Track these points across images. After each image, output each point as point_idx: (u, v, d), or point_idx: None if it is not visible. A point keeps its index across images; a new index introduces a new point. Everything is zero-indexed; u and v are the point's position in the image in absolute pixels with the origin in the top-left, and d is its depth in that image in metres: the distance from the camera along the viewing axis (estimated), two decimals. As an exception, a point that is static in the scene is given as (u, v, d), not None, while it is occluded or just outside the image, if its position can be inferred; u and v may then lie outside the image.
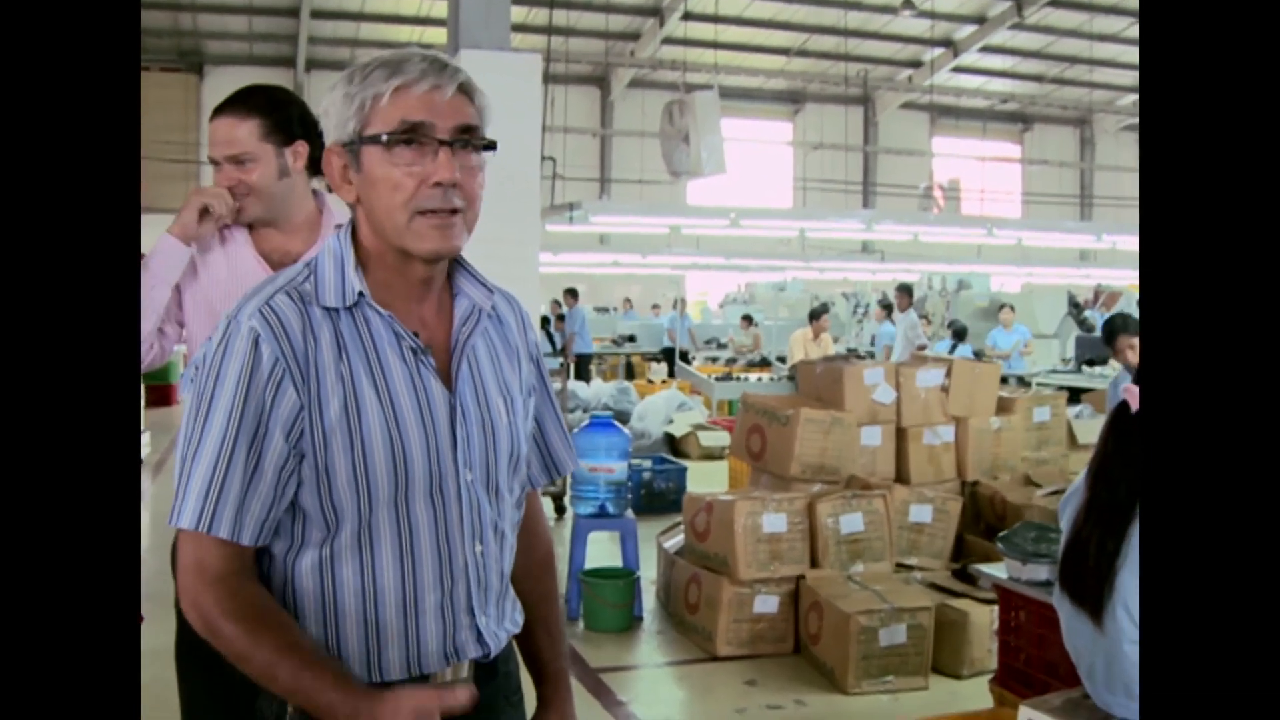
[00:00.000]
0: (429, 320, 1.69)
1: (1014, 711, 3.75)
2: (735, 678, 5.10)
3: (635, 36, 21.78)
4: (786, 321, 18.19)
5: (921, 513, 5.93)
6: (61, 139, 1.28)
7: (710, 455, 11.05)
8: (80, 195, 1.30)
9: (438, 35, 18.87)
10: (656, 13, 20.76)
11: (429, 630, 1.65)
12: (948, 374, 6.56)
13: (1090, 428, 7.07)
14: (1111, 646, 2.98)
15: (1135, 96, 25.18)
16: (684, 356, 15.69)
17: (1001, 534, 4.22)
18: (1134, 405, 3.04)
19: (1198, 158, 1.25)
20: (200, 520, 1.53)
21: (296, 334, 1.57)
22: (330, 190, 1.77)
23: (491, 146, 1.65)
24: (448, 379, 1.67)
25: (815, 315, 13.33)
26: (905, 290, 12.66)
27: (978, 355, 12.09)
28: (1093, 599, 2.98)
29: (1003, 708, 3.98)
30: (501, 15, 5.44)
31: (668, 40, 21.21)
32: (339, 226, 1.72)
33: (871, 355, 13.85)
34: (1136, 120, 26.56)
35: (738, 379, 13.31)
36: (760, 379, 13.35)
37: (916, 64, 23.93)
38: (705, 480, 9.00)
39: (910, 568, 5.78)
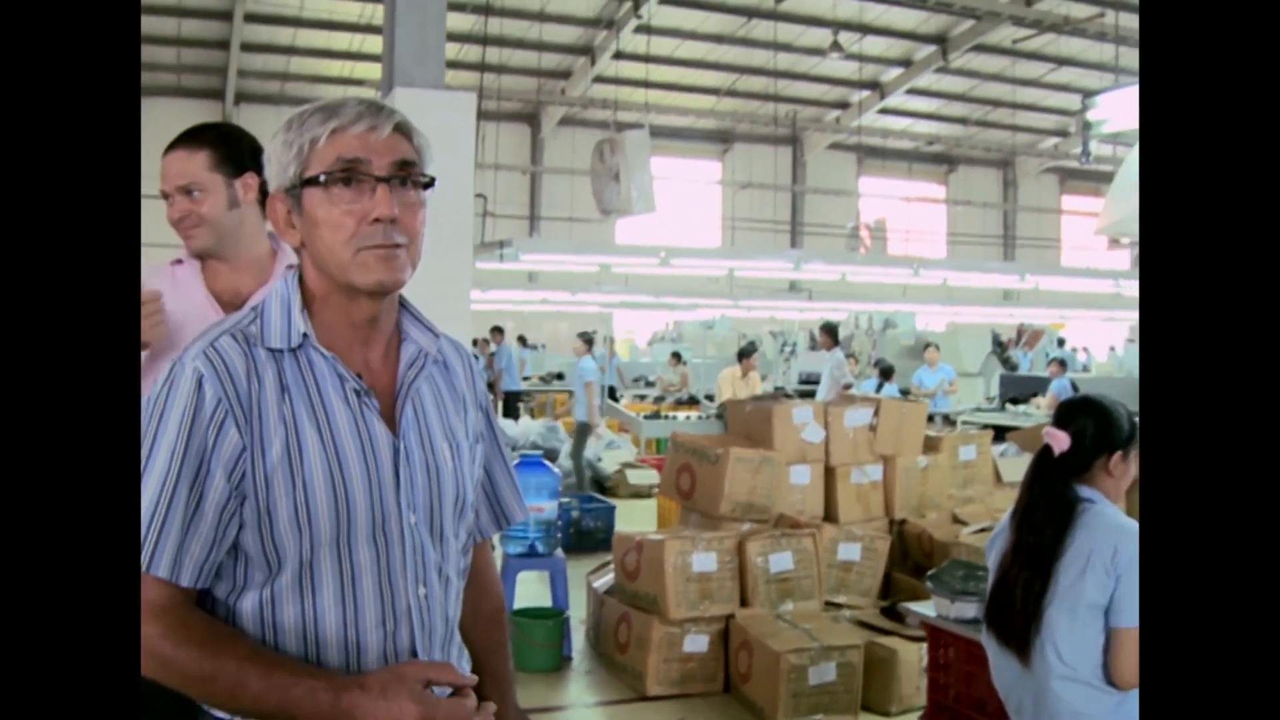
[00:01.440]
0: (374, 364, 1.70)
1: (943, 749, 3.79)
2: (666, 717, 5.10)
3: (566, 75, 21.89)
4: (714, 359, 18.27)
5: (850, 551, 5.96)
6: (61, 145, 1.28)
7: (639, 494, 11.05)
8: (80, 200, 1.29)
9: (369, 70, 18.84)
10: (588, 51, 20.89)
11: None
12: (875, 413, 6.62)
13: (1015, 465, 7.15)
14: (1039, 684, 3.02)
15: (1056, 140, 25.77)
16: (612, 394, 15.69)
17: (930, 572, 4.25)
18: (1056, 449, 3.09)
19: (1196, 163, 1.26)
20: (144, 559, 1.51)
21: (240, 375, 1.58)
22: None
23: (430, 184, 1.66)
24: (392, 422, 1.67)
25: (744, 354, 13.41)
26: (830, 330, 12.79)
27: (904, 394, 12.23)
28: (1020, 638, 3.03)
29: (931, 746, 4.00)
30: (436, 53, 5.45)
31: (599, 79, 21.33)
32: (290, 268, 1.71)
33: (801, 394, 13.95)
34: (1057, 163, 27.17)
35: (666, 417, 13.33)
36: (689, 417, 13.36)
37: (844, 105, 24.28)
38: (634, 519, 8.99)
39: (839, 606, 5.81)
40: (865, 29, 20.20)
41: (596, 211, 13.53)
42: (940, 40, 21.08)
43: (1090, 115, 4.34)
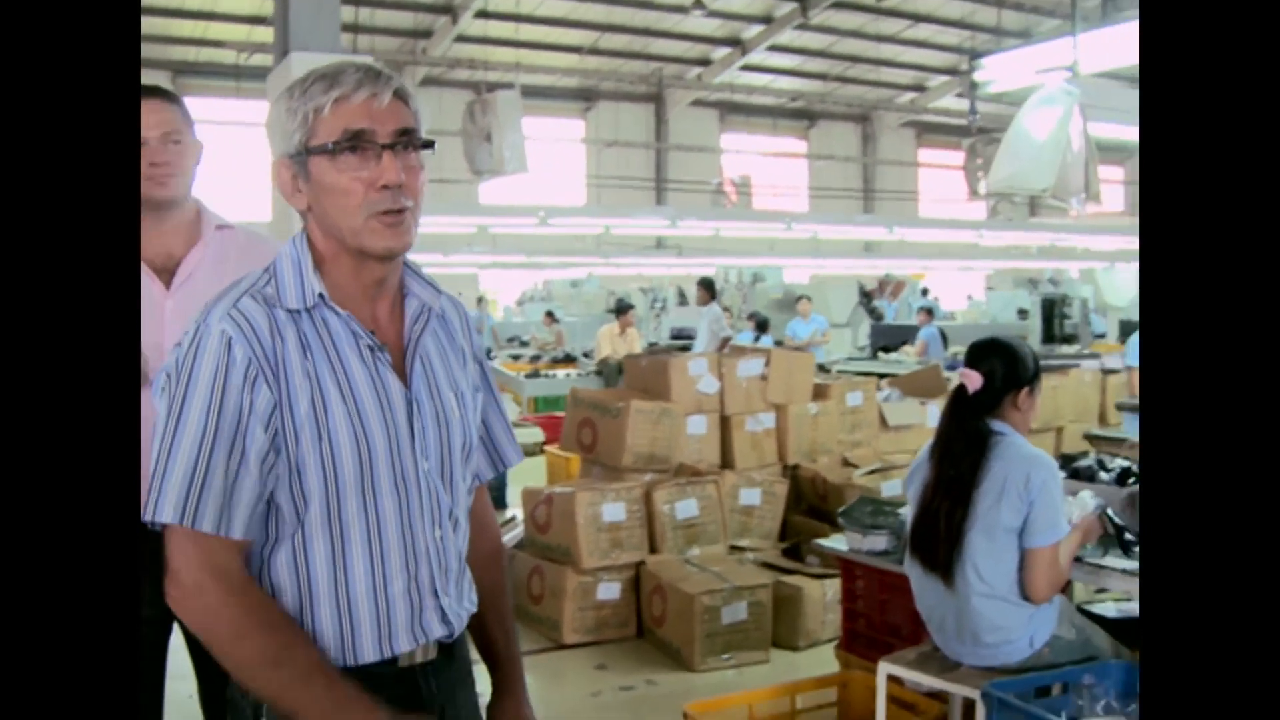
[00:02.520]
0: (382, 320, 1.78)
1: (861, 673, 4.02)
2: (585, 664, 5.25)
3: (428, 34, 21.62)
4: (585, 317, 18.41)
5: (751, 496, 6.18)
6: (59, 142, 1.30)
7: (526, 452, 11.10)
8: (78, 198, 1.31)
9: (265, 35, 18.33)
10: (449, 10, 20.67)
11: (399, 612, 1.74)
12: (767, 363, 6.83)
13: (898, 410, 7.46)
14: (961, 602, 3.25)
15: (913, 94, 26.34)
16: (487, 354, 15.69)
17: (841, 510, 4.47)
18: (970, 387, 3.32)
19: (1195, 156, 1.28)
20: (183, 514, 1.58)
21: (265, 335, 1.65)
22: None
23: (430, 145, 1.74)
24: (402, 375, 1.77)
25: (621, 310, 13.57)
26: (707, 285, 13.00)
27: (778, 345, 12.52)
28: (944, 563, 3.25)
29: (850, 670, 4.23)
30: (331, 17, 5.43)
31: (461, 38, 21.14)
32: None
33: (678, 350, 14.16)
34: (915, 116, 27.77)
35: (546, 375, 13.43)
36: (568, 374, 13.49)
37: (706, 62, 24.47)
38: (524, 477, 9.08)
39: (743, 549, 6.02)
40: (727, -14, 20.39)
41: (464, 173, 13.46)
42: (800, -3, 21.38)
43: (977, 76, 4.57)
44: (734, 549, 5.99)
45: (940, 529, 3.28)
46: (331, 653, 1.70)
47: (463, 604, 1.86)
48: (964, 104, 25.94)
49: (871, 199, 28.48)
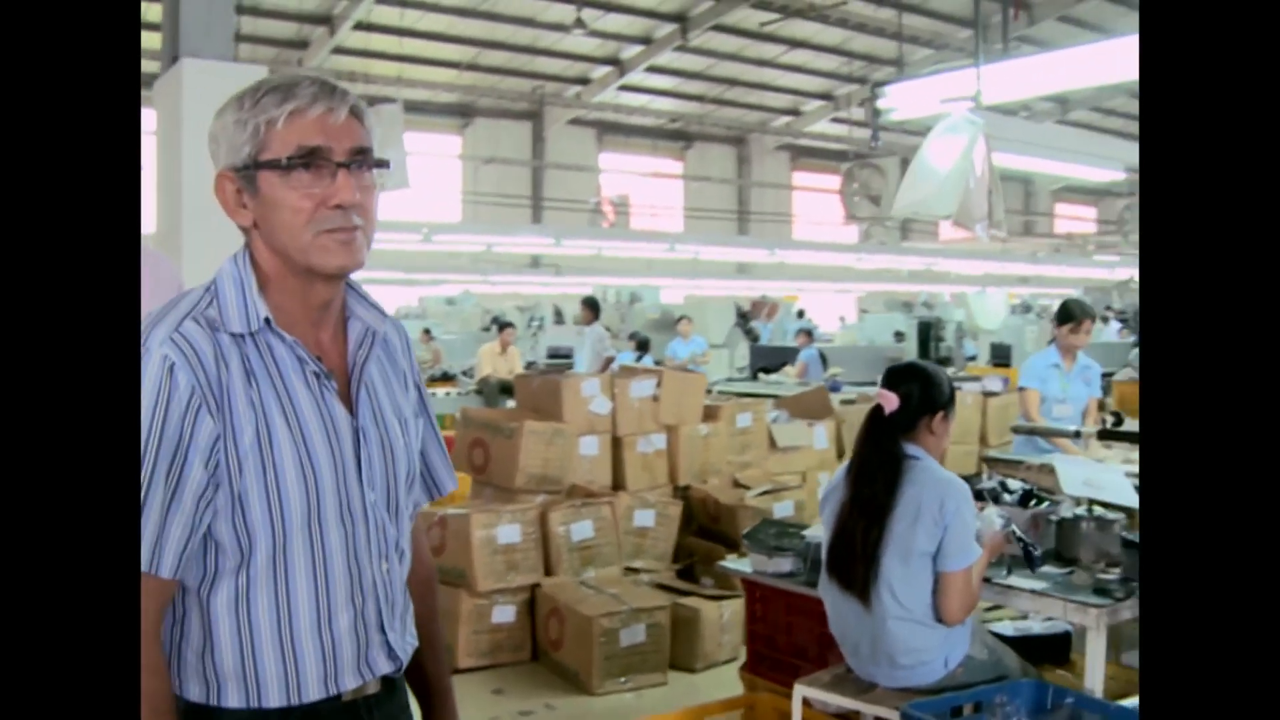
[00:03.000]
0: (326, 344, 1.71)
1: (768, 694, 4.02)
2: (481, 688, 5.16)
3: (304, 45, 21.27)
4: (462, 335, 18.24)
5: (645, 518, 6.16)
6: (59, 139, 1.26)
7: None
8: (79, 196, 1.27)
9: (150, 40, 17.79)
10: (327, 21, 20.36)
11: (344, 649, 1.67)
12: (658, 384, 6.83)
13: (787, 431, 7.51)
14: (877, 625, 3.28)
15: (789, 118, 26.73)
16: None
17: (745, 532, 4.48)
18: (887, 408, 3.35)
19: (1195, 161, 1.28)
20: None
21: (209, 361, 1.57)
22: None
23: (384, 164, 1.68)
24: (347, 403, 1.70)
25: (502, 327, 13.49)
26: (591, 304, 12.99)
27: (658, 365, 12.54)
28: (860, 583, 3.27)
29: (756, 692, 4.23)
30: (225, 24, 5.28)
31: (339, 50, 20.84)
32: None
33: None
34: (790, 140, 28.19)
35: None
36: (448, 393, 13.34)
37: (585, 81, 24.49)
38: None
39: (637, 571, 6.00)
40: (608, 6, 20.42)
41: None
42: (681, 19, 21.51)
43: (880, 104, 4.65)
44: (629, 570, 5.96)
45: (856, 548, 3.30)
46: (274, 692, 1.62)
47: (406, 638, 1.80)
48: (838, 129, 26.58)
49: (746, 221, 28.77)
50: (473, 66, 23.24)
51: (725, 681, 5.17)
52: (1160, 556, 1.27)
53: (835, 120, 26.49)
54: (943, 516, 3.21)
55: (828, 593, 3.49)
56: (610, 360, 11.79)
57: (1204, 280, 1.26)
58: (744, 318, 18.50)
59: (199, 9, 5.26)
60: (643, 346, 13.24)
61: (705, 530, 6.56)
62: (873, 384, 11.75)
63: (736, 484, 6.90)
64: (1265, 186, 1.24)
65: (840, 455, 7.20)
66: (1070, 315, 5.74)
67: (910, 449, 3.35)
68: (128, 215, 1.33)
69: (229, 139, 1.63)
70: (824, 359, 13.27)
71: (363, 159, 1.63)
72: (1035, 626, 4.42)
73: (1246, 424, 1.23)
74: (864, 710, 3.40)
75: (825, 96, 25.80)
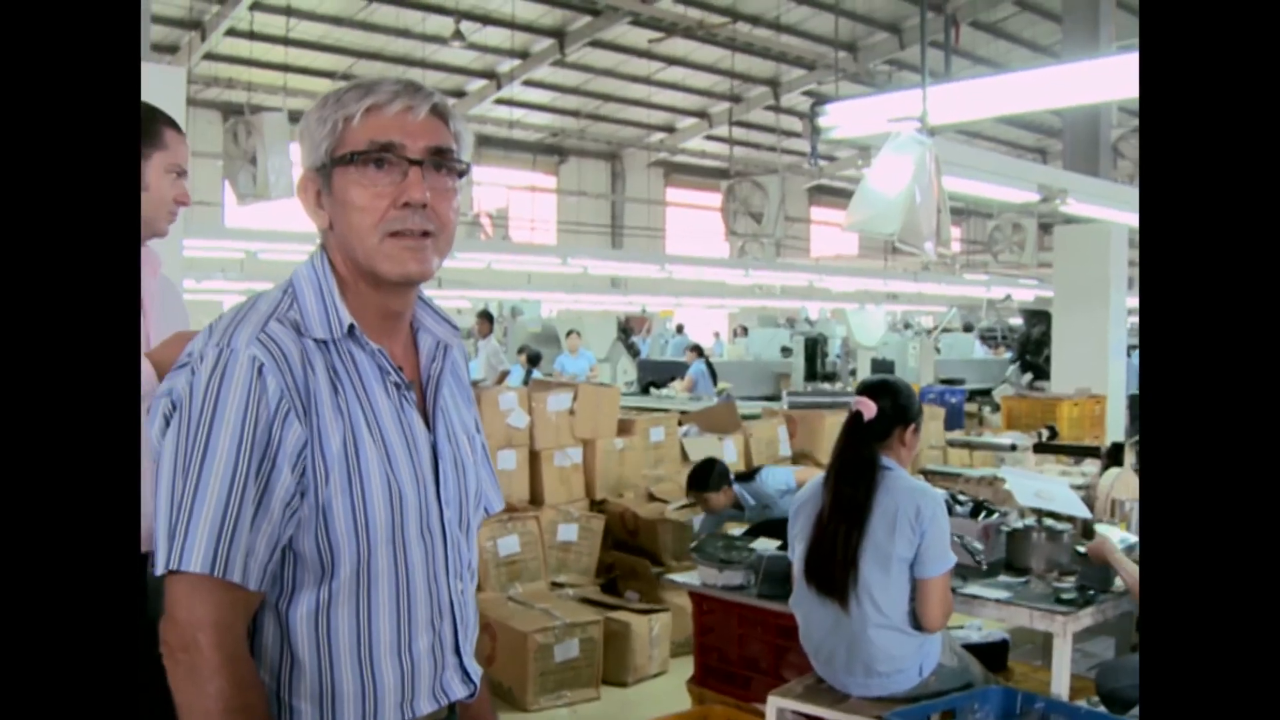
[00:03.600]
0: (399, 356, 1.65)
1: (720, 707, 4.05)
2: None
3: (173, 49, 20.73)
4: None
5: (568, 532, 6.15)
6: (59, 141, 1.23)
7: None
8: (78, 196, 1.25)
9: None
10: (199, 26, 19.88)
11: (423, 672, 1.63)
12: (575, 398, 6.83)
13: (698, 445, 7.56)
14: (856, 633, 3.33)
15: (663, 135, 26.90)
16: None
17: (693, 545, 4.52)
18: (866, 415, 3.41)
19: (1196, 163, 1.27)
20: (215, 564, 1.42)
21: (297, 364, 1.51)
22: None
23: (466, 171, 1.64)
24: (424, 417, 1.66)
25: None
26: (487, 316, 12.91)
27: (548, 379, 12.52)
28: (840, 587, 3.32)
29: (707, 705, 4.25)
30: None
31: (210, 56, 20.37)
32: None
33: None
34: (664, 156, 28.38)
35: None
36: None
37: (460, 94, 24.34)
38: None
39: (562, 585, 5.98)
40: (487, 19, 20.35)
41: (214, 194, 12.89)
42: (558, 34, 21.53)
43: (820, 121, 4.71)
44: (554, 585, 5.94)
45: (838, 552, 3.35)
46: (350, 714, 1.56)
47: (475, 663, 1.75)
48: (711, 145, 26.87)
49: (620, 235, 28.88)
50: (348, 76, 22.92)
51: (657, 696, 5.20)
52: (1160, 559, 1.27)
53: (709, 138, 26.78)
54: (919, 523, 3.29)
55: (802, 602, 3.53)
56: (505, 374, 11.73)
57: (1204, 287, 1.26)
58: (625, 332, 18.59)
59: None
60: (534, 361, 13.20)
61: (622, 544, 6.56)
62: (763, 398, 11.92)
63: (652, 497, 6.92)
64: (1262, 193, 1.24)
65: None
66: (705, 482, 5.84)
67: (883, 459, 3.42)
68: (128, 215, 1.31)
69: (311, 137, 1.59)
70: (713, 373, 13.39)
71: (440, 159, 1.59)
72: (973, 635, 4.53)
73: (1246, 430, 1.23)
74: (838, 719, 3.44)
75: (699, 114, 26.06)
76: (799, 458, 7.93)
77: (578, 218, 27.82)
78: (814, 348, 13.84)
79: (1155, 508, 1.30)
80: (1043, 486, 3.98)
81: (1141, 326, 1.38)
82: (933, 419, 8.92)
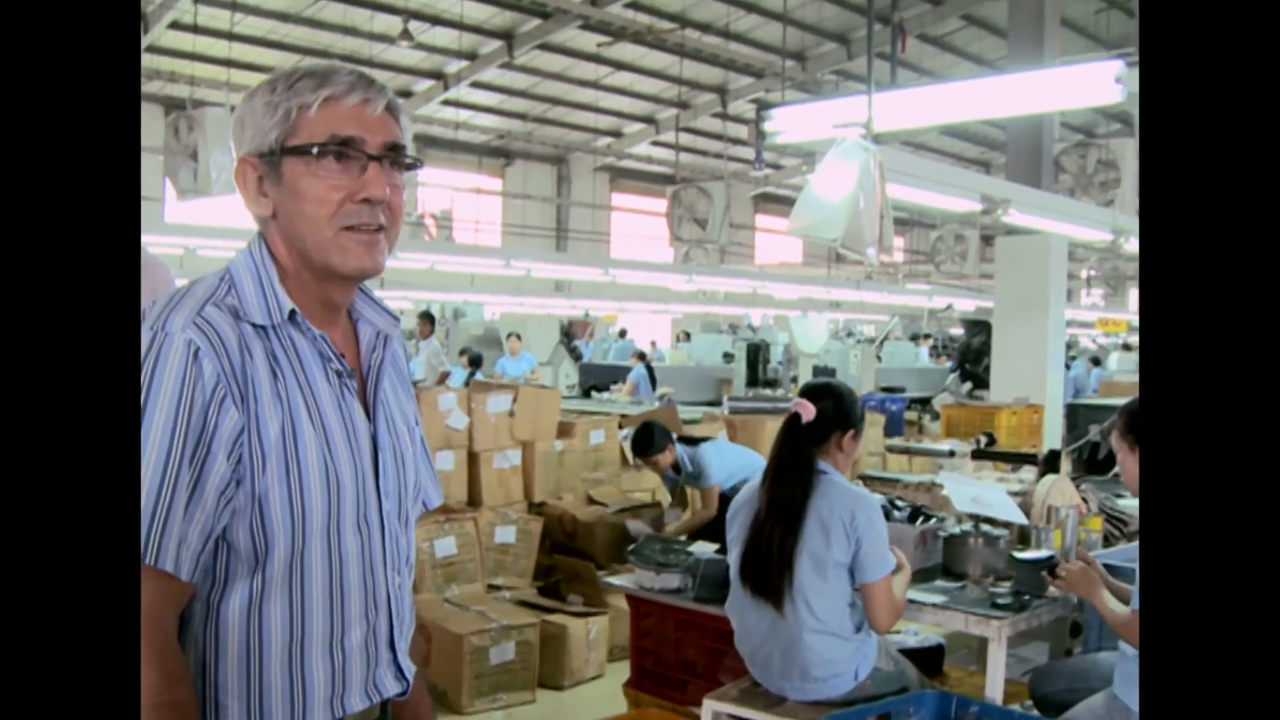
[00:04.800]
0: (339, 345, 1.61)
1: (657, 710, 4.03)
2: None
3: (113, 43, 20.48)
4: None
5: (506, 534, 6.10)
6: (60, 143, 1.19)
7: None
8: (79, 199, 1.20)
9: None
10: (140, 19, 19.64)
11: (354, 667, 1.59)
12: (515, 399, 6.80)
13: (639, 448, 7.54)
14: (791, 637, 3.32)
15: (609, 139, 26.93)
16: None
17: (631, 548, 4.49)
18: (805, 417, 3.41)
19: (1196, 163, 1.26)
20: (147, 551, 1.39)
21: (234, 349, 1.47)
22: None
23: (415, 165, 1.62)
24: (364, 406, 1.63)
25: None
26: (428, 317, 12.83)
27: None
28: (775, 590, 3.31)
29: (643, 708, 4.22)
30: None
31: (154, 49, 20.13)
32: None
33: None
34: (610, 161, 28.39)
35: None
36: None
37: (407, 94, 24.20)
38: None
39: (499, 588, 5.94)
40: (436, 20, 20.27)
41: (154, 189, 12.66)
42: (507, 36, 21.48)
43: (766, 126, 4.71)
44: (491, 588, 5.89)
45: (773, 554, 3.34)
46: (279, 712, 1.52)
47: (408, 659, 1.71)
48: (657, 151, 26.90)
49: (564, 239, 28.85)
50: (292, 73, 22.76)
51: (593, 699, 5.17)
52: (1160, 561, 1.26)
53: (655, 143, 26.82)
54: (854, 529, 3.28)
55: (737, 607, 3.52)
56: (446, 375, 11.66)
57: (1204, 289, 1.25)
58: (568, 336, 18.58)
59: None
60: (475, 363, 13.15)
61: (560, 546, 6.53)
62: (705, 404, 11.93)
63: (591, 500, 6.90)
64: (1262, 196, 1.23)
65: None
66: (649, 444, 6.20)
67: (820, 464, 3.42)
68: (127, 214, 1.27)
69: (256, 122, 1.55)
70: (653, 378, 13.39)
71: (395, 155, 1.57)
72: (909, 640, 4.54)
73: (1247, 432, 1.21)
74: (779, 724, 3.43)
75: (647, 119, 26.10)
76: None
77: (523, 220, 27.76)
78: (756, 354, 13.88)
79: (1155, 509, 1.28)
80: (979, 492, 4.00)
81: (1141, 326, 1.39)
82: (872, 425, 8.98)
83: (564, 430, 7.11)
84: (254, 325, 1.52)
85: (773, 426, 7.87)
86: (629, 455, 7.50)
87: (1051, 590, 3.60)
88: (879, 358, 14.51)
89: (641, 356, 14.33)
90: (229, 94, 16.00)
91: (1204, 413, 1.25)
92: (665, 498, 7.22)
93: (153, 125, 18.94)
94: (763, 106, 4.99)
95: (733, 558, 3.55)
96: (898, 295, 19.93)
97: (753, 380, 13.75)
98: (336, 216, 1.53)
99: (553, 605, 5.79)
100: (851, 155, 4.14)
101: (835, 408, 3.45)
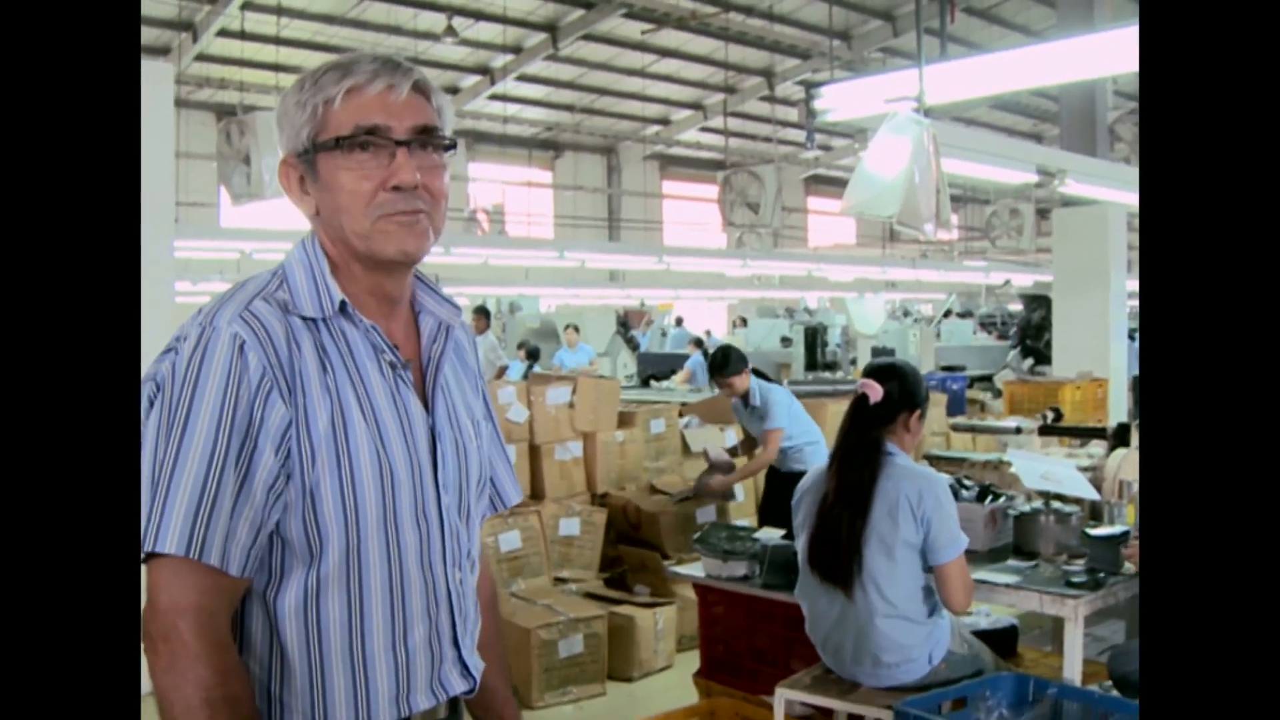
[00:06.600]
0: (398, 337, 1.61)
1: (726, 699, 4.00)
2: None
3: (166, 51, 20.68)
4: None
5: (570, 526, 6.10)
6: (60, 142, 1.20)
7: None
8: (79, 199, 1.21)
9: None
10: (190, 27, 19.83)
11: (419, 665, 1.58)
12: (574, 391, 6.78)
13: (699, 436, 7.51)
14: (863, 623, 3.28)
15: (658, 127, 26.87)
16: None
17: (696, 536, 4.46)
18: (872, 398, 3.36)
19: (1196, 162, 1.25)
20: (191, 545, 1.39)
21: (281, 342, 1.48)
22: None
23: (452, 146, 1.60)
24: (423, 398, 1.61)
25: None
26: (484, 312, 12.87)
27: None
28: (844, 575, 3.27)
29: (713, 698, 4.20)
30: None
31: (202, 57, 20.33)
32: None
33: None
34: (659, 148, 28.36)
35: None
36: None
37: (454, 90, 24.30)
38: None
39: (565, 580, 5.93)
40: (479, 15, 20.29)
41: (209, 195, 12.81)
42: (551, 28, 21.48)
43: (816, 104, 4.65)
44: (557, 581, 5.89)
45: (842, 537, 3.31)
46: (343, 711, 1.51)
47: (475, 656, 1.70)
48: (706, 137, 26.84)
49: (617, 229, 28.85)
50: (340, 75, 22.92)
51: (663, 690, 5.15)
52: (1160, 556, 1.25)
53: (704, 129, 26.73)
54: (923, 509, 3.24)
55: (807, 593, 3.49)
56: (504, 369, 11.68)
57: (1203, 281, 1.24)
58: (624, 326, 18.57)
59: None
60: (533, 356, 13.18)
61: (626, 537, 6.51)
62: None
63: (654, 490, 6.87)
64: (1262, 186, 1.22)
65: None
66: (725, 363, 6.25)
67: (887, 445, 3.37)
68: (127, 214, 1.27)
69: (290, 122, 1.56)
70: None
71: (426, 138, 1.56)
72: (981, 621, 4.48)
73: (1246, 424, 1.21)
74: (855, 711, 3.39)
75: (694, 106, 26.01)
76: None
77: (574, 212, 27.80)
78: (814, 337, 13.80)
79: (1155, 500, 1.27)
80: (1049, 469, 3.93)
81: (1142, 319, 1.36)
82: (935, 405, 8.88)
83: (624, 420, 7.09)
84: (304, 318, 1.52)
85: (834, 408, 7.85)
86: (690, 444, 7.48)
87: (1128, 566, 3.52)
88: (938, 336, 14.37)
89: (699, 344, 14.28)
90: (277, 98, 16.17)
91: (1204, 404, 1.24)
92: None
93: (205, 132, 19.18)
94: (811, 85, 4.92)
95: (800, 543, 3.51)
96: (954, 273, 19.74)
97: (811, 364, 13.68)
98: (371, 206, 1.53)
99: (619, 597, 5.78)
100: (904, 130, 4.08)
101: (901, 388, 3.40)
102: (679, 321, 21.71)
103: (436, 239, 1.60)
